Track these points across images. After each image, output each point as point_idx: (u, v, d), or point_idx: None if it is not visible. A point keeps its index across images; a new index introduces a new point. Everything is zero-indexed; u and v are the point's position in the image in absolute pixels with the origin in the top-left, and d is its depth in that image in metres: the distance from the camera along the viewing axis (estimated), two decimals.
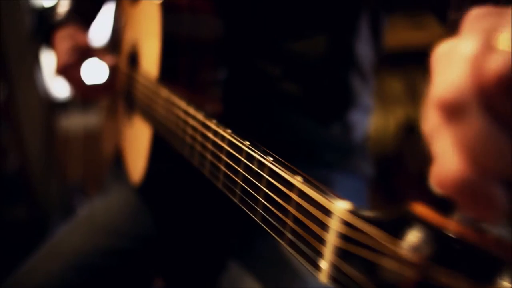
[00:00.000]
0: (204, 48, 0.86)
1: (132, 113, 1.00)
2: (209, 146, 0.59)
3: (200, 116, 0.62)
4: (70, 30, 1.10)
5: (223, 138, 0.54)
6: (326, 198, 0.36)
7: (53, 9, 1.20)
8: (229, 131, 0.53)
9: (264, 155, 0.46)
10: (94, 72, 1.27)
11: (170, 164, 0.89)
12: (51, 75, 2.31)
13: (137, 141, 0.95)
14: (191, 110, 0.65)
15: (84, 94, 1.11)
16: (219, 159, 0.55)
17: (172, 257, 0.98)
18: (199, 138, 0.63)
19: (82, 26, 1.15)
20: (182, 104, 0.69)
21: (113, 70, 1.11)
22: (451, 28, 0.80)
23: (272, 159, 0.44)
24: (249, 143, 0.49)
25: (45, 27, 1.16)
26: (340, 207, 0.34)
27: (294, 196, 0.40)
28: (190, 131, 0.66)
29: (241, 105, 0.95)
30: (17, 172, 2.35)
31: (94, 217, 0.98)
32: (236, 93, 0.93)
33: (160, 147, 0.86)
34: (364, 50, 1.00)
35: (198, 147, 0.63)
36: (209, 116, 0.59)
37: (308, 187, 0.38)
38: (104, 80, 1.12)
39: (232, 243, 0.91)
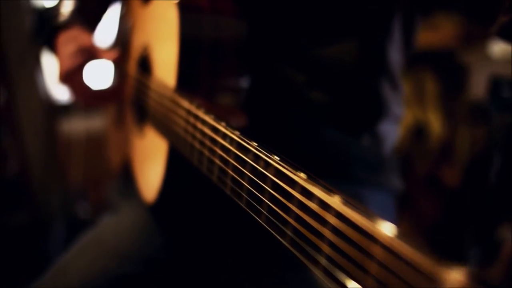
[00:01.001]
0: (226, 53, 0.75)
1: (143, 123, 0.89)
2: (239, 166, 0.50)
3: (235, 136, 0.52)
4: (73, 32, 0.98)
5: (257, 156, 0.47)
6: (370, 222, 0.31)
7: (54, 9, 1.07)
8: (263, 149, 0.46)
9: (295, 170, 0.40)
10: (100, 76, 1.15)
11: (188, 182, 0.78)
12: (52, 77, 2.22)
13: (150, 156, 0.83)
14: (221, 127, 0.54)
15: (90, 102, 0.99)
16: (247, 179, 0.48)
17: (185, 283, 0.86)
18: (231, 160, 0.52)
19: (86, 27, 1.03)
20: (207, 118, 0.57)
21: (121, 75, 1.00)
22: (499, 31, 0.69)
23: (305, 176, 0.39)
24: (278, 159, 0.43)
25: (46, 29, 1.03)
26: (386, 232, 0.30)
27: (330, 218, 0.35)
28: (218, 150, 0.55)
29: (264, 116, 0.84)
30: (18, 177, 2.27)
31: (102, 238, 0.86)
32: (259, 102, 0.82)
33: (178, 163, 0.74)
34: (395, 55, 0.89)
35: (229, 170, 0.53)
36: (235, 131, 0.52)
37: (348, 208, 0.34)
38: (112, 86, 1.00)
39: (257, 272, 0.79)
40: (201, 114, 0.61)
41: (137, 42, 0.99)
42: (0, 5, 1.92)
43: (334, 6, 0.83)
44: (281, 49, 0.87)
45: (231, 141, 0.52)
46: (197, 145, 0.62)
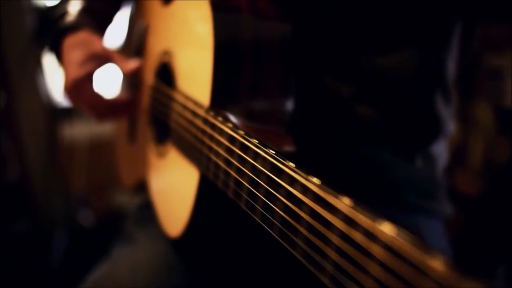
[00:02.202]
0: (269, 62, 0.61)
1: (165, 143, 0.74)
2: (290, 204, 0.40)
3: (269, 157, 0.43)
4: (82, 36, 0.83)
5: (292, 180, 0.40)
6: (423, 255, 0.27)
7: (60, 8, 0.92)
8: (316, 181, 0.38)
9: (337, 196, 0.35)
10: (107, 83, 1.00)
11: (220, 214, 0.64)
12: (56, 85, 2.07)
13: (175, 182, 0.69)
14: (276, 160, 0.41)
15: (102, 116, 0.84)
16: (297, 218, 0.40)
17: None
18: (263, 183, 0.41)
19: (96, 30, 0.88)
20: (252, 145, 0.45)
21: (136, 83, 0.85)
22: None
23: (349, 202, 0.34)
24: (318, 182, 0.37)
25: (51, 31, 0.88)
26: (443, 268, 0.26)
27: (377, 251, 0.30)
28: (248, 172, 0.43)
29: (306, 134, 0.69)
30: (18, 183, 2.13)
31: (117, 275, 0.72)
32: (303, 120, 0.68)
33: (209, 194, 0.60)
34: (451, 66, 0.75)
35: (261, 194, 0.44)
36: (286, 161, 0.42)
37: (398, 239, 0.29)
38: (125, 96, 0.85)
39: None
40: (245, 140, 0.47)
41: (155, 47, 0.84)
42: None
43: (391, 11, 0.69)
44: (326, 57, 0.73)
45: (264, 161, 0.44)
46: (235, 174, 0.48)
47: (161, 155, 0.76)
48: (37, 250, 2.02)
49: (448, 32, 0.72)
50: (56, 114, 2.12)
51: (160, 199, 0.75)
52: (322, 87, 0.72)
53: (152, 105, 0.82)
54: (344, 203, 0.34)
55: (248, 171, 0.46)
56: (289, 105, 0.63)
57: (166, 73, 0.78)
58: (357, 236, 0.32)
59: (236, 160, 0.49)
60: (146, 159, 0.83)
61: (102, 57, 0.82)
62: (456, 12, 0.70)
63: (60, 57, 0.86)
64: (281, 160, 0.41)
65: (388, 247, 0.30)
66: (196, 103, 0.61)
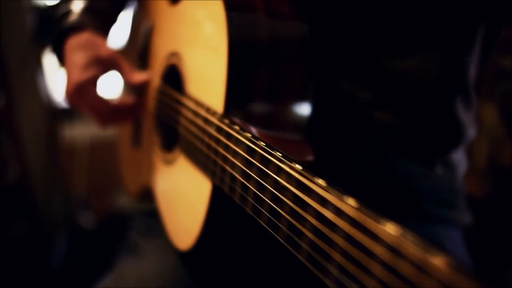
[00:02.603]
0: (287, 66, 0.56)
1: (173, 150, 0.70)
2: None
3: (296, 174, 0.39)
4: (86, 37, 0.78)
5: (323, 200, 0.36)
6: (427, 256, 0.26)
7: (59, 7, 0.87)
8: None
9: (378, 220, 0.31)
10: (113, 88, 0.96)
11: (235, 230, 0.59)
12: (54, 80, 2.03)
13: (184, 192, 0.64)
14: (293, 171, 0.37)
15: (106, 121, 0.79)
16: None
17: None
18: (289, 202, 0.37)
19: (99, 30, 0.84)
20: (271, 157, 0.41)
21: (142, 87, 0.81)
22: None
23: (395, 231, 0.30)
24: (356, 204, 0.33)
25: (53, 31, 0.83)
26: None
27: (404, 267, 0.28)
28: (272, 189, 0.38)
29: (324, 141, 0.65)
30: (18, 185, 2.09)
31: None
32: (318, 125, 0.63)
33: (224, 207, 0.56)
34: (472, 70, 0.71)
35: (286, 214, 0.40)
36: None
37: (424, 253, 0.27)
38: (130, 100, 0.80)
39: None
40: (266, 152, 0.43)
41: (161, 48, 0.80)
42: None
43: (414, 10, 0.65)
44: (343, 59, 0.69)
45: (288, 177, 0.40)
46: (254, 188, 0.44)
47: (169, 162, 0.71)
48: (37, 252, 1.98)
49: (472, 33, 0.67)
50: (57, 114, 2.08)
51: (168, 209, 0.71)
52: (338, 91, 0.68)
53: (158, 109, 0.77)
54: (387, 231, 0.30)
55: (270, 186, 0.42)
56: (307, 110, 0.58)
57: (173, 76, 0.73)
58: (379, 251, 0.30)
59: (255, 174, 0.44)
60: (152, 166, 0.79)
61: (108, 63, 0.77)
62: (481, 13, 0.66)
63: (62, 58, 0.81)
64: (309, 177, 0.37)
65: (414, 263, 0.28)
66: (208, 110, 0.56)
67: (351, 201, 0.33)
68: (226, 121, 0.52)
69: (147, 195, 0.83)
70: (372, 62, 0.68)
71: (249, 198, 0.45)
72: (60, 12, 0.84)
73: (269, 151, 0.43)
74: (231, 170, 0.50)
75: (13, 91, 1.90)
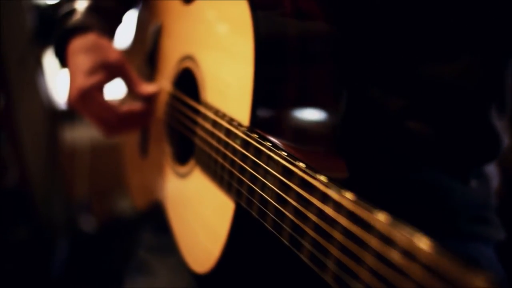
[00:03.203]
0: (318, 72, 0.50)
1: (187, 163, 0.63)
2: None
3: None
4: (92, 39, 0.72)
5: (355, 218, 0.32)
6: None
7: (62, 6, 0.81)
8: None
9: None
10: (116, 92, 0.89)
11: (258, 251, 0.53)
12: (55, 80, 1.98)
13: (203, 211, 0.58)
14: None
15: (112, 129, 0.73)
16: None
17: None
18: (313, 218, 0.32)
19: (105, 31, 0.77)
20: (305, 175, 0.35)
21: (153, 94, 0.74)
22: None
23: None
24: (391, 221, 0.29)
25: (55, 31, 0.77)
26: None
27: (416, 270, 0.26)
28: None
29: (354, 153, 0.59)
30: (17, 188, 2.03)
31: None
32: (349, 135, 0.57)
33: (249, 230, 0.49)
34: (509, 78, 0.65)
35: (310, 230, 0.36)
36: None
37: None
38: (139, 107, 0.74)
39: None
40: (309, 176, 0.36)
41: (172, 51, 0.73)
42: None
43: (450, 15, 0.59)
44: (373, 65, 0.62)
45: (338, 208, 0.34)
46: (293, 215, 0.38)
47: (182, 175, 0.65)
48: (37, 257, 1.93)
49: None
50: (57, 116, 2.01)
51: (181, 227, 0.64)
52: (367, 98, 0.62)
53: (169, 116, 0.71)
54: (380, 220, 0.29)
55: (314, 216, 0.36)
56: (339, 120, 0.52)
57: (186, 81, 0.67)
58: (394, 256, 0.28)
59: (294, 199, 0.38)
60: (162, 178, 0.72)
61: (114, 69, 0.71)
62: None
63: (64, 61, 0.75)
64: (369, 209, 0.31)
65: (427, 267, 0.26)
66: (231, 121, 0.50)
67: (382, 217, 0.30)
68: (255, 135, 0.45)
69: (157, 211, 0.77)
70: (404, 68, 0.62)
71: (285, 227, 0.39)
72: (62, 11, 0.78)
73: (311, 175, 0.36)
74: (261, 192, 0.43)
75: (12, 92, 1.84)
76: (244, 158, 0.47)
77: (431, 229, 0.30)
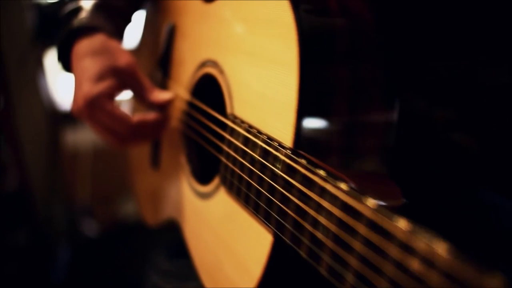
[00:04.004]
0: (369, 83, 0.42)
1: (210, 182, 0.55)
2: None
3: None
4: (100, 41, 0.64)
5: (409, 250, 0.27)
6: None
7: (66, 3, 0.72)
8: None
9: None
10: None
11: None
12: (56, 81, 1.92)
13: (230, 241, 0.50)
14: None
15: (123, 141, 0.65)
16: None
17: None
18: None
19: (113, 31, 0.69)
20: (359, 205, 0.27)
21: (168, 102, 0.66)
22: None
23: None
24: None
25: (60, 31, 0.68)
26: None
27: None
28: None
29: (407, 172, 0.51)
30: (18, 192, 1.98)
31: None
32: (402, 153, 0.50)
33: (288, 266, 0.41)
34: None
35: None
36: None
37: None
38: (153, 117, 0.66)
39: None
40: (365, 207, 0.28)
41: (189, 55, 0.65)
42: None
43: (502, 20, 0.51)
44: (417, 72, 0.54)
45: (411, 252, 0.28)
46: (356, 266, 0.30)
47: (203, 196, 0.57)
48: (38, 262, 1.89)
49: None
50: (58, 118, 1.94)
51: (204, 255, 0.56)
52: (409, 109, 0.54)
53: (187, 129, 0.63)
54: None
55: (390, 267, 0.28)
56: (391, 135, 0.44)
57: (207, 89, 0.59)
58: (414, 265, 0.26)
59: (359, 247, 0.30)
60: (179, 196, 0.64)
61: (125, 75, 0.63)
62: None
63: (69, 65, 0.67)
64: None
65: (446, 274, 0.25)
66: (269, 141, 0.42)
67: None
68: (303, 161, 0.37)
69: (170, 229, 0.69)
70: (450, 76, 0.54)
71: (347, 279, 0.31)
72: (66, 10, 0.69)
73: (388, 221, 0.28)
74: (312, 230, 0.35)
75: (12, 93, 1.80)
76: (288, 186, 0.39)
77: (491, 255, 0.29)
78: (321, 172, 0.35)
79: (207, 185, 0.56)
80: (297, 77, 0.40)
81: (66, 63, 0.68)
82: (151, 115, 0.65)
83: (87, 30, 0.66)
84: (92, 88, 0.61)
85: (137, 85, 0.65)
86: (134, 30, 0.90)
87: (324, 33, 0.41)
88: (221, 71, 0.54)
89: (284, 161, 0.40)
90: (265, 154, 0.43)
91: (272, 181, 0.41)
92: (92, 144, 1.97)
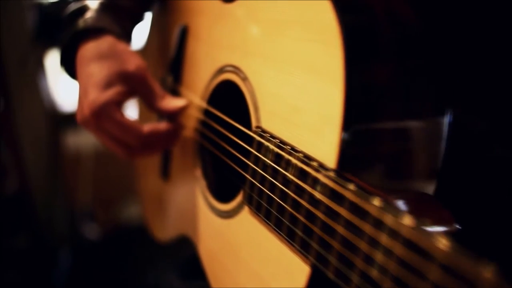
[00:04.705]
0: (421, 93, 0.36)
1: (231, 201, 0.49)
2: None
3: None
4: (108, 43, 0.58)
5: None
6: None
7: (66, 3, 0.67)
8: None
9: None
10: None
11: None
12: (57, 82, 1.88)
13: (257, 269, 0.44)
14: None
15: (133, 152, 0.59)
16: None
17: None
18: None
19: (121, 34, 0.63)
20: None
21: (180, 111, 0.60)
22: None
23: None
24: None
25: (64, 32, 0.63)
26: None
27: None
28: None
29: (456, 191, 0.46)
30: (18, 195, 1.94)
31: None
32: (451, 170, 0.44)
33: None
34: None
35: None
36: None
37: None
38: (166, 127, 0.60)
39: None
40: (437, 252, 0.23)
41: (204, 59, 0.60)
42: None
43: None
44: (454, 79, 0.49)
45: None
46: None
47: (224, 215, 0.51)
48: (39, 267, 1.85)
49: None
50: (59, 120, 1.90)
51: (224, 279, 0.51)
52: (460, 122, 0.48)
53: (204, 140, 0.57)
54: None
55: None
56: (442, 149, 0.39)
57: (227, 97, 0.53)
58: None
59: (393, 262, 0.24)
60: (194, 213, 0.59)
61: (135, 80, 0.57)
62: None
63: (73, 69, 0.61)
64: None
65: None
66: (308, 160, 0.36)
67: None
68: (351, 186, 0.31)
69: (182, 246, 0.63)
70: (489, 84, 0.48)
71: None
72: (70, 9, 0.63)
73: (468, 263, 0.23)
74: (365, 268, 0.30)
75: (12, 94, 1.76)
76: (332, 214, 0.33)
77: None
78: (376, 202, 0.30)
79: (228, 203, 0.51)
80: (342, 88, 0.34)
81: (70, 67, 0.63)
82: (163, 125, 0.60)
83: (93, 31, 0.60)
84: (99, 96, 0.55)
85: (147, 91, 0.60)
86: (140, 31, 0.84)
87: (370, 39, 0.36)
88: (244, 78, 0.48)
89: (326, 185, 0.34)
90: (302, 175, 0.37)
91: (312, 207, 0.35)
92: (93, 146, 1.92)
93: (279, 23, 0.43)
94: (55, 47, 1.77)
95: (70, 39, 0.61)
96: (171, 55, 0.70)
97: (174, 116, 0.62)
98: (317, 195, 0.35)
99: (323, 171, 0.35)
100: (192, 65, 0.64)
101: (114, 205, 2.03)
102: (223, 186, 0.54)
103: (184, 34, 0.67)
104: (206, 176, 0.58)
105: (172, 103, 0.60)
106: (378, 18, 0.37)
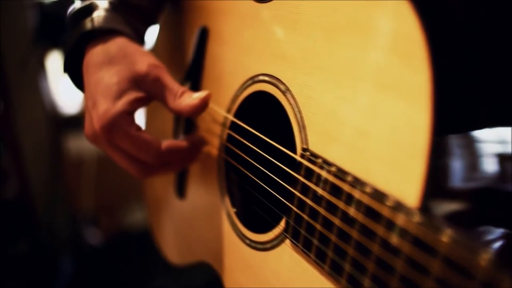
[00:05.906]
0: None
1: (267, 232, 0.42)
2: None
3: None
4: (119, 45, 0.51)
5: None
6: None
7: (66, 3, 0.60)
8: None
9: None
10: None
11: None
12: (58, 84, 1.84)
13: None
14: None
15: (149, 170, 0.51)
16: None
17: None
18: None
19: (135, 37, 0.56)
20: None
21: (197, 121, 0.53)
22: None
23: None
24: None
25: (70, 33, 0.55)
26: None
27: None
28: None
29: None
30: (18, 200, 1.90)
31: None
32: None
33: None
34: None
35: None
36: None
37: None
38: (187, 142, 0.53)
39: None
40: None
41: (230, 67, 0.52)
42: None
43: None
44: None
45: None
46: None
47: (259, 246, 0.44)
48: (40, 274, 1.82)
49: None
50: (61, 123, 1.86)
51: None
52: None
53: (231, 158, 0.50)
54: None
55: None
56: None
57: (260, 112, 0.46)
58: None
59: None
60: (220, 240, 0.51)
61: (148, 81, 0.50)
62: None
63: (79, 76, 0.53)
64: None
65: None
66: (379, 195, 0.29)
67: None
68: (447, 234, 0.24)
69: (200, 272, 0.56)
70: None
71: None
72: (75, 8, 0.56)
73: None
74: None
75: (12, 96, 1.73)
76: (421, 271, 0.26)
77: None
78: (485, 256, 0.23)
79: (265, 233, 0.44)
80: (429, 112, 0.27)
81: (76, 74, 0.55)
82: (182, 141, 0.52)
83: (102, 33, 0.53)
84: (110, 107, 0.47)
85: (163, 90, 0.51)
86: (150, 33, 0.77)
87: (463, 48, 0.29)
88: (285, 91, 0.41)
89: (408, 232, 0.27)
90: (373, 215, 0.30)
91: (388, 256, 0.28)
92: (96, 150, 1.85)
93: (334, 28, 0.36)
94: (57, 48, 1.73)
95: (76, 42, 0.53)
96: (188, 60, 0.63)
97: (193, 127, 0.54)
98: (396, 241, 0.28)
99: (405, 214, 0.27)
100: (215, 72, 0.57)
101: (117, 210, 1.98)
102: (256, 213, 0.47)
103: (204, 36, 0.60)
104: (233, 199, 0.50)
105: (188, 99, 0.51)
106: (457, 18, 0.30)
